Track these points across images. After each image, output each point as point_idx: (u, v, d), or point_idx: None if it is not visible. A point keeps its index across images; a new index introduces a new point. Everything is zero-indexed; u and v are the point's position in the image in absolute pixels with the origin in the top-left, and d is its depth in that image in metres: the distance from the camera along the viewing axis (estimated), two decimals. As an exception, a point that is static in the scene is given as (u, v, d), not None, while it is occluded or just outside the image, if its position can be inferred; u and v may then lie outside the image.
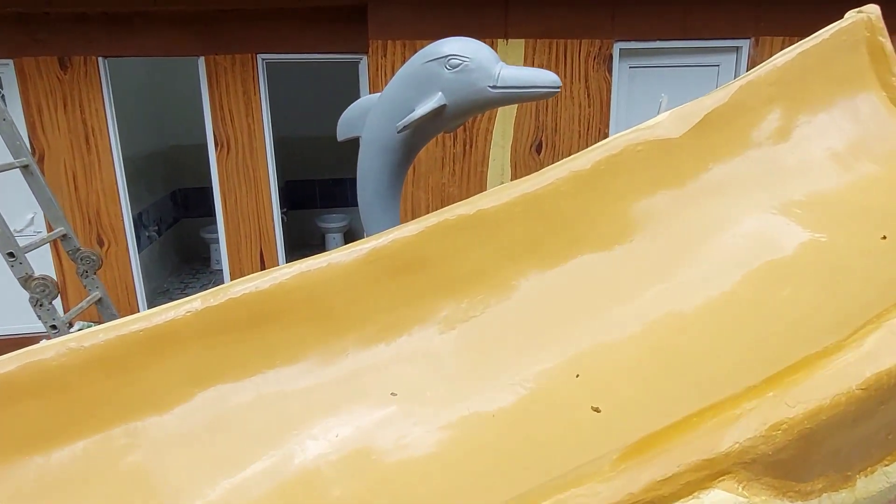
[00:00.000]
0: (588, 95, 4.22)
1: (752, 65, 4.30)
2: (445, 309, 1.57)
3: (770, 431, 0.65)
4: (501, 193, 1.64)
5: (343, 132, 2.35)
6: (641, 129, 1.83)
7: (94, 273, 2.59)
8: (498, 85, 1.94)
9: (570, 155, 1.71)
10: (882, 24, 2.38)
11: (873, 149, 2.21)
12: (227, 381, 1.48)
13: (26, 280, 2.07)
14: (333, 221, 6.28)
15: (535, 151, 4.26)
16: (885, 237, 1.75)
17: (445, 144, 4.08)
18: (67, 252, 2.55)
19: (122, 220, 4.16)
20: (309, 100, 6.34)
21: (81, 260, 2.56)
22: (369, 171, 2.17)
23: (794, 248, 1.76)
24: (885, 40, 2.38)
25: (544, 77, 1.95)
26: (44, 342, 1.46)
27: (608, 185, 1.75)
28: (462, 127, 4.04)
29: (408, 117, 1.97)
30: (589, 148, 1.78)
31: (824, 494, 0.70)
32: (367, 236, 1.64)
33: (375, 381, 1.50)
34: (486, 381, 1.46)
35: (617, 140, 1.79)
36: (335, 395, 1.48)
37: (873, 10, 2.34)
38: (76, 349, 1.43)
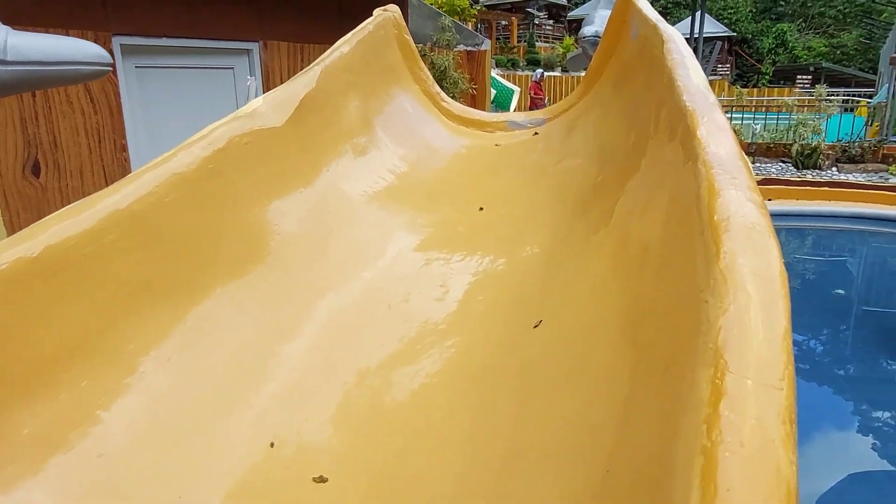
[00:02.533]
0: (91, 100, 3.42)
1: (263, 66, 4.27)
2: (22, 424, 0.90)
3: None
4: (79, 217, 1.03)
5: None
6: (240, 117, 1.47)
7: None
8: (8, 59, 1.24)
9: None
10: (403, 22, 2.60)
11: (425, 135, 2.41)
12: None
13: None
14: None
15: (31, 174, 3.22)
16: (481, 208, 1.90)
17: None
18: None
19: None
20: None
21: None
22: None
23: (418, 226, 1.72)
24: (409, 37, 2.62)
25: (83, 48, 1.35)
26: None
27: (224, 189, 1.33)
28: None
29: None
30: (183, 144, 1.31)
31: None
32: None
33: None
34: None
35: (216, 132, 1.39)
36: None
37: (395, 10, 2.53)
38: None
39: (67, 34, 3.22)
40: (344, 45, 2.07)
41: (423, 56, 8.57)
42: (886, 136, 9.65)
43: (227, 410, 1.04)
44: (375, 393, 1.13)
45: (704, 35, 17.08)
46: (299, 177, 1.59)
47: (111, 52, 3.46)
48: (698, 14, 9.55)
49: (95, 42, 3.33)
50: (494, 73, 13.69)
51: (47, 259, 0.96)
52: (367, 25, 2.28)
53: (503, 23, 20.62)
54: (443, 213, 1.82)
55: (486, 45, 10.09)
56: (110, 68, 1.38)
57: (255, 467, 0.99)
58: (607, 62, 2.25)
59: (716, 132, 0.98)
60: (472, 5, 18.00)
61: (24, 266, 0.93)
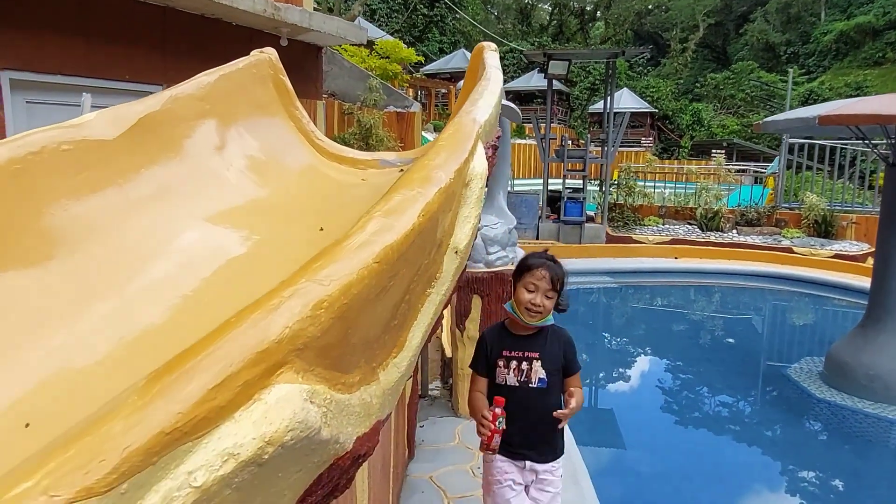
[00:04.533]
0: (-24, 133, 3.38)
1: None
2: None
3: (314, 311, 0.57)
4: None
5: None
6: (65, 126, 1.53)
7: None
8: None
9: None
10: (280, 65, 2.75)
11: (290, 165, 2.51)
12: None
13: None
14: None
15: None
16: (322, 229, 1.98)
17: None
18: None
19: None
20: None
21: None
22: None
23: (248, 246, 1.78)
24: (285, 78, 2.76)
25: None
26: None
27: (31, 189, 1.38)
28: None
29: None
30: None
31: (362, 388, 0.67)
32: None
33: None
34: None
35: (32, 137, 1.43)
36: None
37: (272, 52, 2.68)
38: None
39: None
40: (205, 76, 2.17)
41: (349, 114, 8.80)
42: (778, 203, 10.48)
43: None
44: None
45: (631, 110, 18.65)
46: (123, 186, 1.64)
47: None
48: (611, 88, 10.27)
49: (-16, 76, 3.33)
50: (429, 135, 14.22)
51: None
52: (237, 63, 2.41)
53: (443, 90, 21.54)
54: (277, 230, 1.89)
55: (416, 107, 10.47)
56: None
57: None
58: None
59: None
60: (409, 72, 18.74)
61: None
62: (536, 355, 2.07)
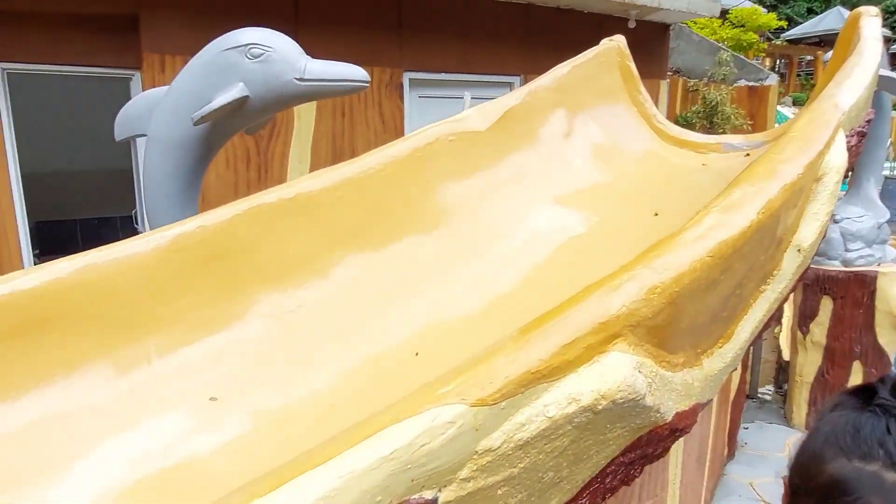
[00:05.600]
0: (383, 122, 4.31)
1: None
2: (267, 299, 1.42)
3: (648, 295, 0.68)
4: (322, 177, 1.55)
5: (122, 131, 2.05)
6: (451, 121, 1.90)
7: None
8: (305, 77, 1.86)
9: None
10: (628, 52, 2.82)
11: (631, 149, 2.58)
12: (-5, 402, 1.14)
13: None
14: (102, 267, 5.44)
15: (333, 176, 4.21)
16: (657, 214, 2.03)
17: (238, 169, 3.83)
18: None
19: None
20: (70, 128, 5.53)
21: None
22: (158, 173, 1.91)
23: (588, 226, 1.94)
24: (632, 64, 2.82)
25: (353, 71, 1.92)
26: None
27: (426, 172, 1.76)
28: (256, 150, 3.85)
29: (205, 108, 1.79)
30: (403, 137, 1.79)
31: (685, 370, 0.75)
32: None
33: (188, 386, 1.28)
34: (320, 368, 1.34)
35: (431, 130, 1.82)
36: (136, 409, 1.23)
37: (621, 40, 2.77)
38: None
39: (372, 70, 4.16)
40: (559, 69, 2.40)
41: (693, 91, 8.34)
42: None
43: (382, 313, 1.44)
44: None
45: None
46: (490, 171, 1.96)
47: (401, 85, 4.34)
48: None
49: (391, 76, 4.22)
50: (786, 110, 12.48)
51: (302, 199, 1.48)
52: (588, 53, 2.58)
53: (807, 58, 18.45)
54: (615, 213, 2.01)
55: (772, 79, 9.33)
56: (367, 85, 1.94)
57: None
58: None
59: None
60: (767, 39, 16.57)
61: (283, 203, 1.46)
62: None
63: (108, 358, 1.26)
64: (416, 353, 1.43)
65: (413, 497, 0.52)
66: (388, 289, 1.53)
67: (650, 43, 5.67)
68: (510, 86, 4.84)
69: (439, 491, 0.55)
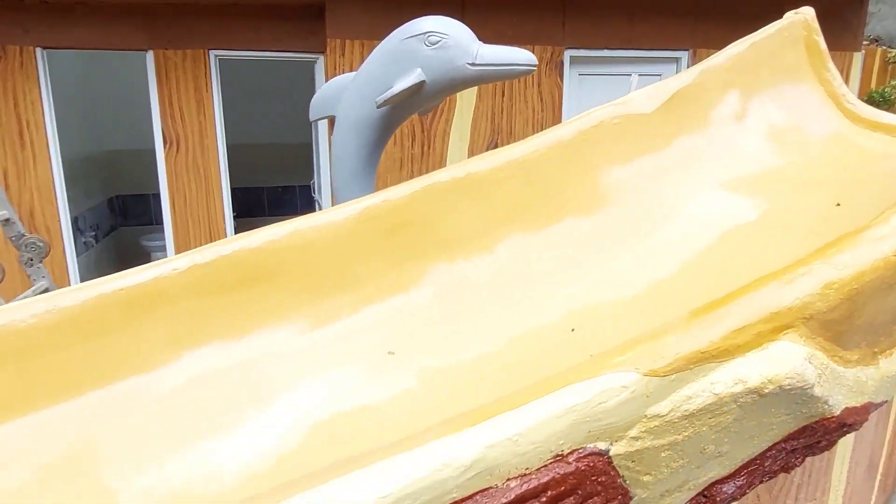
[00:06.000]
0: (541, 100, 4.34)
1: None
2: (438, 268, 1.57)
3: (824, 290, 0.70)
4: (490, 158, 1.66)
5: (316, 112, 2.32)
6: (616, 104, 1.91)
7: (41, 261, 2.43)
8: (476, 62, 1.97)
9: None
10: (816, 25, 2.60)
11: (814, 132, 2.39)
12: (212, 342, 1.41)
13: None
14: (282, 228, 6.14)
15: (490, 153, 4.34)
16: (839, 204, 1.89)
17: (404, 145, 4.09)
18: (10, 238, 2.38)
19: (59, 221, 3.92)
20: (259, 106, 6.23)
21: (26, 247, 2.39)
22: (345, 149, 2.15)
23: (758, 214, 1.87)
24: (820, 39, 2.60)
25: (521, 55, 2.00)
26: (10, 303, 1.36)
27: (589, 155, 1.81)
28: (420, 128, 4.07)
29: (387, 92, 1.98)
30: (570, 119, 1.84)
31: (858, 367, 0.75)
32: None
33: (371, 341, 1.47)
34: (483, 335, 1.46)
35: (596, 113, 1.86)
36: (327, 356, 1.44)
37: (809, 12, 2.55)
38: (49, 310, 1.33)
39: (532, 48, 4.20)
40: (735, 46, 2.30)
41: (894, 63, 7.38)
42: None
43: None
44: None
45: None
46: (655, 154, 1.95)
47: (562, 63, 4.33)
48: None
49: (552, 54, 4.23)
50: None
51: (472, 179, 1.61)
52: (769, 28, 2.43)
53: None
54: (790, 201, 1.91)
55: None
56: (535, 68, 2.01)
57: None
58: None
59: None
60: None
61: (455, 182, 1.59)
62: None
63: (309, 310, 1.49)
64: (573, 329, 1.51)
65: (589, 445, 0.61)
66: (547, 267, 1.62)
67: (843, 10, 5.08)
68: (677, 61, 4.62)
69: (611, 444, 0.63)
